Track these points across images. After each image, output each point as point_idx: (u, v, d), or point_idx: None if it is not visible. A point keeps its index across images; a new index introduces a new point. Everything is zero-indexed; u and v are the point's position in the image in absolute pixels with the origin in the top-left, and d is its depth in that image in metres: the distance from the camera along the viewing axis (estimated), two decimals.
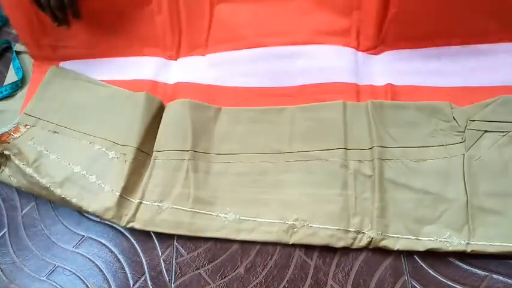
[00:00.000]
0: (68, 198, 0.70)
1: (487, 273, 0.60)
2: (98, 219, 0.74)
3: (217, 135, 0.75)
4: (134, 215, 0.69)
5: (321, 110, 0.73)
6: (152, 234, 0.71)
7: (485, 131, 0.66)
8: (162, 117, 0.77)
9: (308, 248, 0.66)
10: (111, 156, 0.73)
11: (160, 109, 0.78)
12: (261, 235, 0.66)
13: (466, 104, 0.70)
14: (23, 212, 0.78)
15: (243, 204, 0.69)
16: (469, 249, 0.59)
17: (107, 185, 0.70)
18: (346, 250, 0.65)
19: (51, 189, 0.70)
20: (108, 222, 0.73)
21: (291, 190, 0.68)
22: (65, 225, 0.75)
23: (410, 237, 0.62)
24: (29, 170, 0.71)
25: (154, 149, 0.74)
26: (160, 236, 0.71)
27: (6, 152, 0.73)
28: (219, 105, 0.79)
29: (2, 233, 0.76)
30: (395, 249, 0.62)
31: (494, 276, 0.60)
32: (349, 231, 0.63)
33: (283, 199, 0.68)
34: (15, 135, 0.78)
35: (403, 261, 0.63)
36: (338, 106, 0.72)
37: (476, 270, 0.61)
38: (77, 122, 0.79)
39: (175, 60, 0.88)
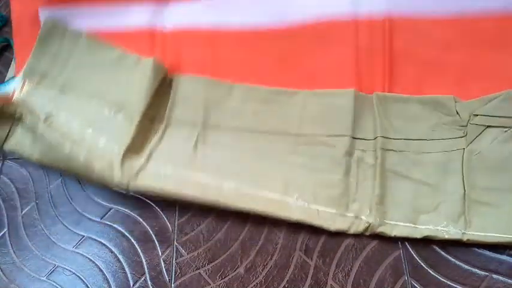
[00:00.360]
0: (75, 155, 0.70)
1: (487, 273, 0.60)
2: (98, 219, 0.74)
3: (228, 111, 0.76)
4: (137, 174, 0.68)
5: (333, 97, 0.74)
6: (152, 234, 0.71)
7: (488, 126, 0.66)
8: (177, 90, 0.78)
9: (308, 248, 0.66)
10: (119, 119, 0.75)
11: (167, 75, 0.78)
12: (260, 206, 0.66)
13: (464, 35, 0.71)
14: (23, 212, 0.78)
15: (246, 176, 0.69)
16: (464, 239, 0.60)
17: (115, 146, 0.71)
18: (346, 250, 0.65)
19: (60, 146, 0.71)
20: (107, 223, 0.73)
21: (295, 171, 0.69)
22: (65, 225, 0.75)
23: (407, 224, 0.63)
24: (41, 125, 0.73)
25: (167, 118, 0.76)
26: (161, 236, 0.71)
27: (18, 111, 0.76)
28: (221, 50, 0.80)
29: (2, 233, 0.76)
30: (392, 235, 0.63)
31: (494, 276, 0.60)
32: (347, 216, 0.65)
33: (286, 178, 0.69)
34: (22, 95, 0.78)
35: (403, 261, 0.63)
36: (350, 94, 0.72)
37: (476, 270, 0.61)
38: (85, 84, 0.80)
39: (167, 2, 0.86)
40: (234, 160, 0.71)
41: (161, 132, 0.74)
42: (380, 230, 0.63)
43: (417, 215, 0.63)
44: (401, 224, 0.63)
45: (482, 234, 0.60)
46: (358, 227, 0.64)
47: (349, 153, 0.68)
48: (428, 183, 0.65)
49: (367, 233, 0.64)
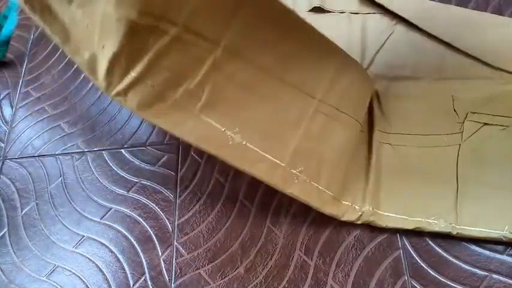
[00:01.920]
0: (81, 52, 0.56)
1: (487, 273, 0.60)
2: (98, 219, 0.74)
3: (259, 41, 0.59)
4: (126, 91, 0.54)
5: (364, 80, 0.71)
6: (152, 234, 0.71)
7: (485, 124, 0.67)
8: None
9: (308, 248, 0.66)
10: (116, 17, 0.53)
11: None
12: (261, 173, 0.60)
13: None
14: (23, 212, 0.78)
15: (253, 130, 0.60)
16: (454, 232, 0.61)
17: (106, 49, 0.54)
18: (346, 250, 0.65)
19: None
20: (107, 223, 0.73)
21: (305, 140, 0.64)
22: (65, 225, 0.75)
23: (399, 215, 0.64)
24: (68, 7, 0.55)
25: (183, 23, 0.54)
26: (161, 236, 0.71)
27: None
28: None
29: (2, 233, 0.76)
30: (384, 225, 0.64)
31: (494, 276, 0.60)
32: (342, 203, 0.66)
33: (295, 145, 0.63)
34: None
35: (403, 261, 0.63)
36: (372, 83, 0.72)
37: (476, 270, 0.61)
38: None
39: None
40: (248, 106, 0.60)
41: (168, 42, 0.53)
42: (372, 219, 0.64)
43: (409, 207, 0.64)
44: (394, 215, 0.64)
45: (472, 228, 0.61)
46: (351, 215, 0.65)
47: (355, 141, 0.69)
48: (422, 177, 0.66)
49: (359, 222, 0.65)
